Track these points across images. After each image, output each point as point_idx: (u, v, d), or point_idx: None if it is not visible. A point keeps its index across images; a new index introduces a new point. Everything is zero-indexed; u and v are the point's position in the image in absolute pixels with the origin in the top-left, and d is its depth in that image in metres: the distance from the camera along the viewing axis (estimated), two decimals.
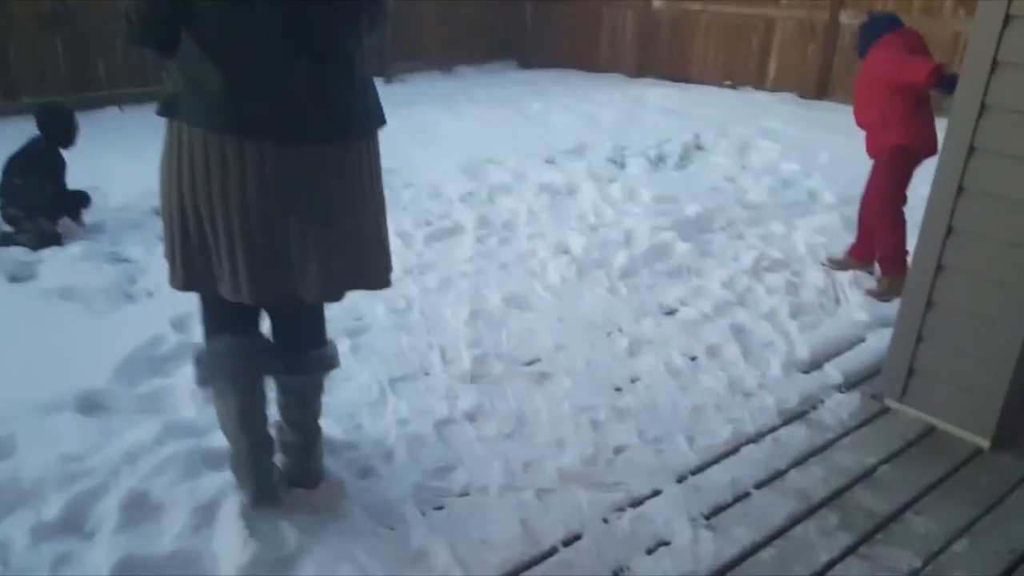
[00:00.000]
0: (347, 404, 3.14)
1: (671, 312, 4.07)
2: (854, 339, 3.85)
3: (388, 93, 10.68)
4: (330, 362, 2.61)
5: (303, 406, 2.59)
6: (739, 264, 4.52)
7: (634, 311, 4.03)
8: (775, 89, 10.07)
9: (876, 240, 4.30)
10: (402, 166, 6.44)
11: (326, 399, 2.70)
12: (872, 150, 4.33)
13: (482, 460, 2.88)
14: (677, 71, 10.93)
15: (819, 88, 9.73)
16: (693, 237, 4.88)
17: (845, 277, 4.40)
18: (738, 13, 10.27)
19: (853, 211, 5.06)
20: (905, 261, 4.22)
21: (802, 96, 9.81)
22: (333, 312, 3.82)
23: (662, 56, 11.09)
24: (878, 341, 3.78)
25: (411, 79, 10.75)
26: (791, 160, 6.64)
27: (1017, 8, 2.80)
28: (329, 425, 2.86)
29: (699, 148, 7.62)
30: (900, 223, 4.23)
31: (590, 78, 11.20)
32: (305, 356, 2.54)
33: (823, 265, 4.57)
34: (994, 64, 2.89)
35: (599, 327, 3.88)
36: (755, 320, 3.94)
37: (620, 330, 3.86)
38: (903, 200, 4.24)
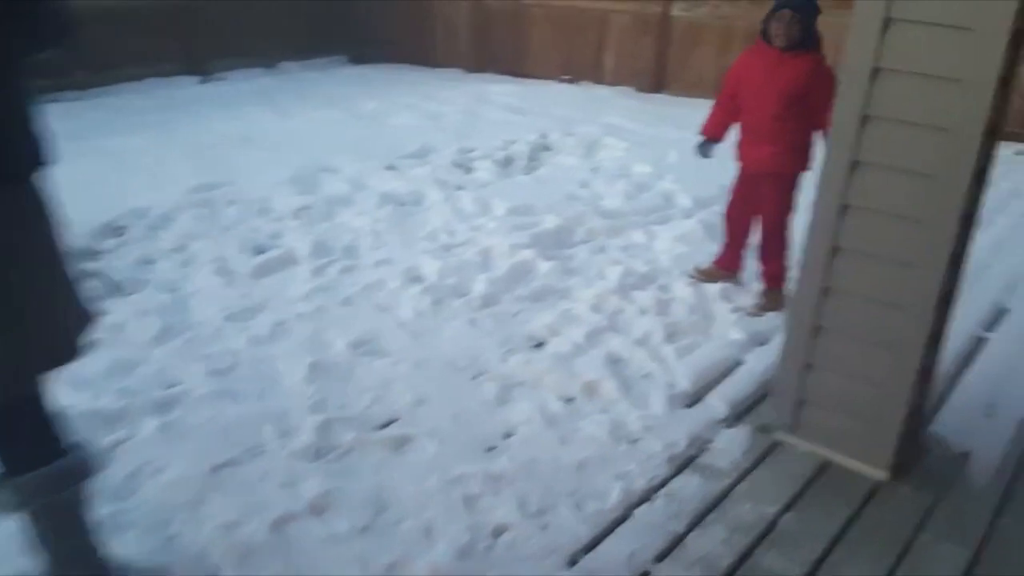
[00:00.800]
0: (154, 509, 2.48)
1: (540, 344, 3.63)
2: (732, 362, 3.56)
3: (205, 93, 9.96)
4: (76, 474, 1.95)
5: (62, 537, 1.93)
6: (605, 282, 4.15)
7: (500, 346, 3.57)
8: (614, 83, 9.90)
9: (766, 256, 4.03)
10: (224, 178, 5.67)
11: (124, 506, 2.05)
12: (766, 165, 3.93)
13: (335, 566, 2.32)
14: (515, 66, 10.56)
15: (656, 82, 9.65)
16: (555, 253, 4.47)
17: (714, 290, 4.12)
18: (572, 7, 10.01)
19: (712, 216, 4.84)
20: (786, 276, 4.01)
21: (640, 90, 9.69)
22: (135, 382, 3.24)
23: (499, 51, 10.69)
24: (757, 362, 3.51)
25: (231, 77, 9.79)
26: (641, 160, 6.38)
27: (899, 10, 2.53)
28: (127, 543, 2.21)
29: (546, 148, 7.26)
30: (790, 240, 4.00)
31: (428, 74, 10.64)
32: (32, 478, 1.87)
33: (690, 277, 4.28)
34: (874, 72, 2.62)
35: (463, 370, 3.38)
36: (630, 348, 3.56)
37: (487, 372, 3.38)
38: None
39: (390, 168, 6.46)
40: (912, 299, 2.68)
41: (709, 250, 4.52)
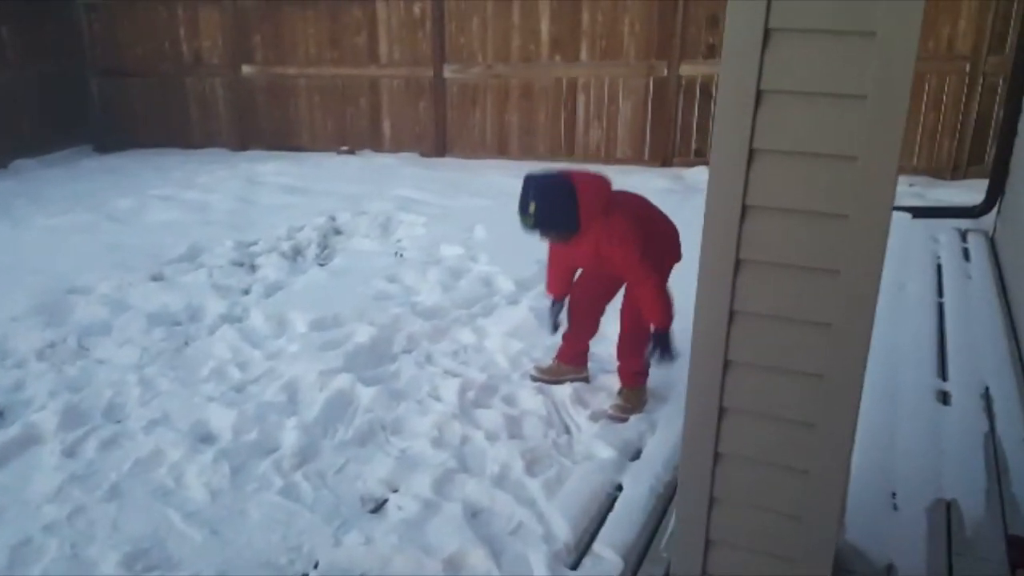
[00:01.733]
0: None
1: (379, 507, 2.87)
2: (610, 489, 2.99)
3: None
4: None
5: None
6: (443, 404, 3.46)
7: (328, 521, 2.76)
8: (395, 150, 9.32)
9: (626, 351, 3.51)
10: None
11: None
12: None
13: None
14: (285, 141, 9.68)
15: (438, 145, 9.18)
16: (375, 374, 3.72)
17: (563, 394, 3.57)
18: (338, 75, 9.34)
19: (539, 299, 4.32)
20: (648, 373, 3.54)
21: (424, 155, 9.19)
22: None
23: (265, 126, 9.76)
24: (637, 485, 2.98)
25: None
26: (447, 239, 5.77)
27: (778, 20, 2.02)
28: None
29: (338, 232, 6.49)
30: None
31: (186, 157, 9.48)
32: None
33: (532, 379, 3.71)
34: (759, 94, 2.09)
35: (282, 569, 2.55)
36: (489, 492, 2.90)
37: (317, 565, 2.57)
38: None
39: (157, 279, 5.40)
40: (826, 415, 2.25)
41: (546, 343, 3.99)
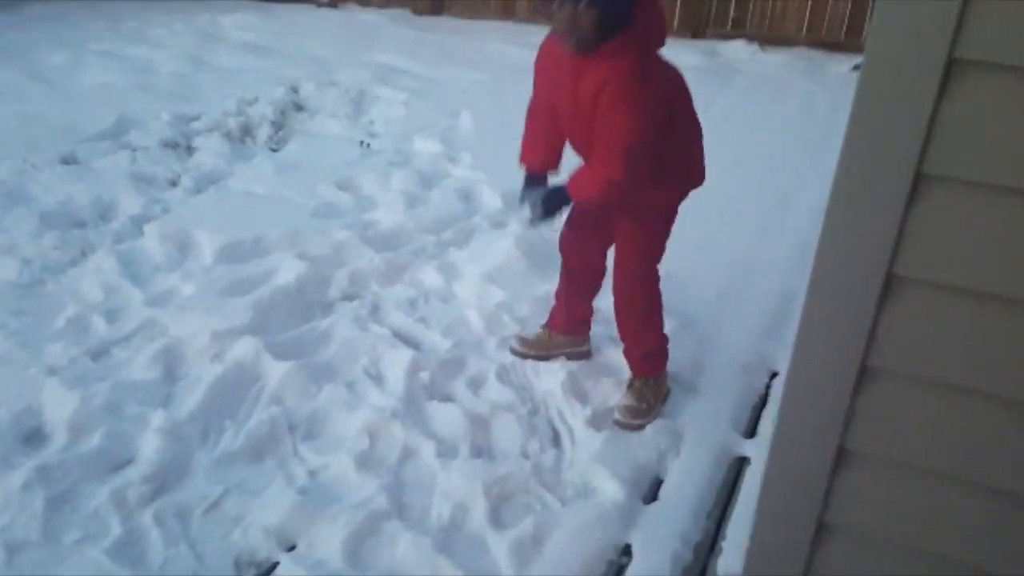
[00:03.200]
0: None
1: (271, 571, 1.85)
2: (612, 556, 1.95)
3: None
4: None
5: None
6: (383, 391, 2.37)
7: None
8: (383, 5, 7.80)
9: (628, 327, 2.41)
10: None
11: None
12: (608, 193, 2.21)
13: None
14: None
15: (433, 1, 7.66)
16: (294, 340, 2.58)
17: (554, 379, 2.47)
18: None
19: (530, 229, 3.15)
20: (666, 352, 2.44)
21: (416, 12, 7.68)
22: None
23: None
24: (651, 553, 1.94)
25: None
26: (425, 130, 4.47)
27: None
28: None
29: (299, 108, 5.20)
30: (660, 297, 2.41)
31: (145, 3, 7.98)
32: None
33: (513, 353, 2.61)
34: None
35: None
36: (431, 559, 1.85)
37: None
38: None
39: (67, 161, 4.21)
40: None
41: (536, 292, 2.86)
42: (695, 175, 2.25)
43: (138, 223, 3.58)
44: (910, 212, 1.11)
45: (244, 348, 2.45)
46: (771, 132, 4.69)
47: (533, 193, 2.26)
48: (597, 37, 1.91)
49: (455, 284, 2.94)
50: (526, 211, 2.30)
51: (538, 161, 2.33)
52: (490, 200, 3.54)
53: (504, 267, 2.98)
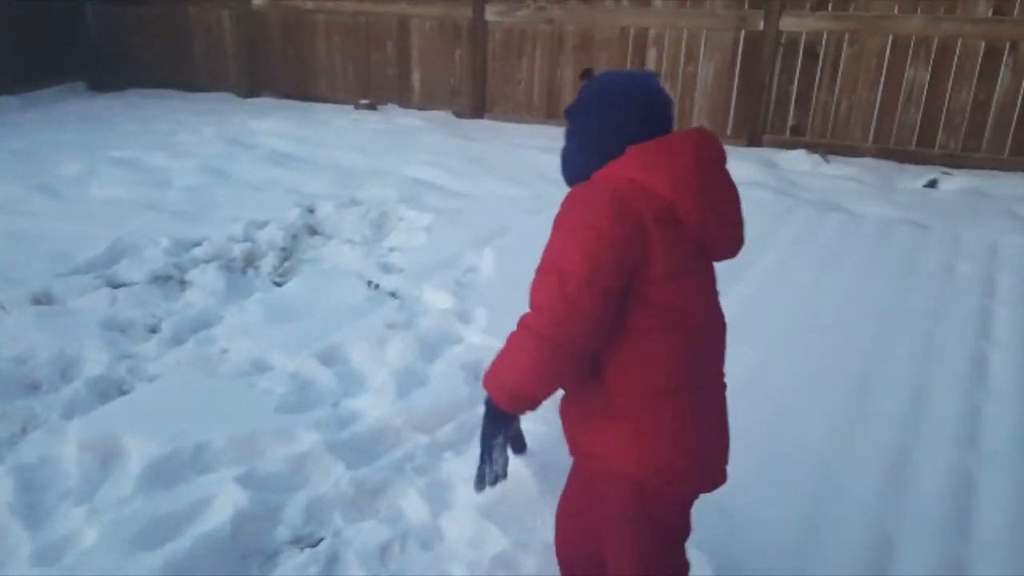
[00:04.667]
0: None
1: None
2: None
3: None
4: None
5: None
6: None
7: None
8: (424, 106, 7.32)
9: None
10: None
11: None
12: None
13: None
14: (300, 88, 7.76)
15: (475, 103, 7.14)
16: None
17: None
18: (361, 11, 7.31)
19: (547, 423, 2.42)
20: None
21: (457, 115, 7.17)
22: None
23: (278, 69, 7.84)
24: None
25: None
26: (441, 274, 3.76)
27: None
28: None
29: (312, 232, 4.62)
30: None
31: (184, 102, 7.66)
32: None
33: None
34: None
35: None
36: None
37: None
38: None
39: (39, 301, 3.67)
40: None
41: (551, 534, 2.10)
42: (677, 450, 1.44)
43: (95, 388, 2.98)
44: None
45: None
46: (838, 285, 3.83)
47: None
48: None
49: (443, 518, 2.18)
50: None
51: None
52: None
53: (509, 493, 2.22)
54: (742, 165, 5.16)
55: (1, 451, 2.52)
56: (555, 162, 1.65)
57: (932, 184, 5.44)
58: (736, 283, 3.48)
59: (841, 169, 5.69)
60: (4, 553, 2.00)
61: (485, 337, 3.06)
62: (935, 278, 3.86)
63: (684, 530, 1.56)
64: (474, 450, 2.27)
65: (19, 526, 2.05)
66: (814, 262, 4.03)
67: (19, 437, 2.70)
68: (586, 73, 1.58)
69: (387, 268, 4.05)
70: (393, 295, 3.67)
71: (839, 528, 2.21)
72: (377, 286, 3.78)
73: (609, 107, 1.47)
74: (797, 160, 5.84)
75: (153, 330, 3.52)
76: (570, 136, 1.57)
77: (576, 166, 1.54)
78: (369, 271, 3.98)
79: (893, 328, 3.32)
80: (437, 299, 3.45)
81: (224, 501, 2.14)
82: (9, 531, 2.05)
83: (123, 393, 2.92)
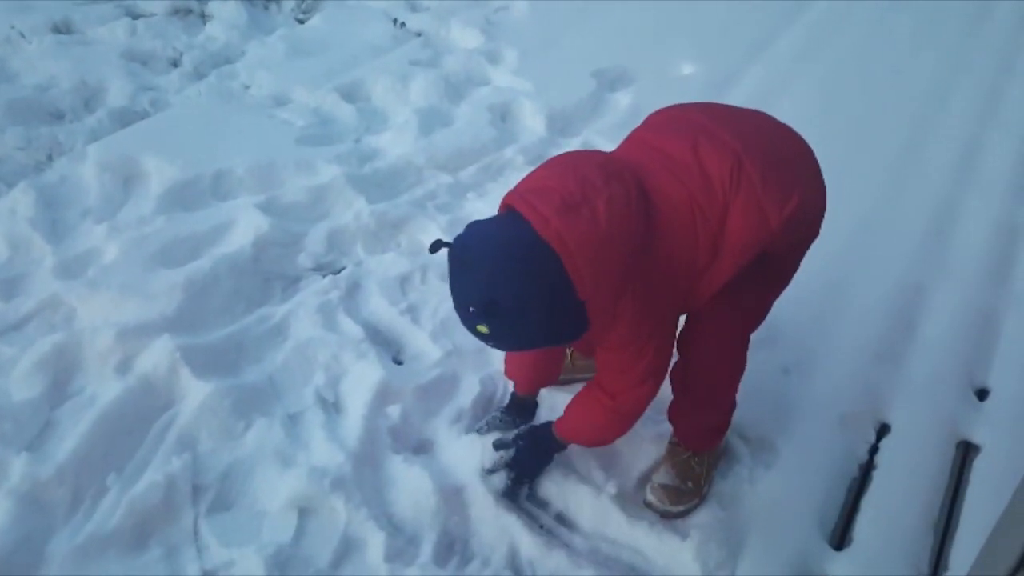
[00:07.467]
0: None
1: None
2: None
3: None
4: None
5: None
6: (331, 441, 1.58)
7: None
8: None
9: (700, 396, 1.48)
10: None
11: None
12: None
13: None
14: None
15: None
16: (226, 341, 1.75)
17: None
18: None
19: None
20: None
21: None
22: None
23: None
24: None
25: None
26: (471, 9, 3.33)
27: None
28: None
29: None
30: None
31: None
32: None
33: None
34: None
35: None
36: None
37: None
38: None
39: (59, 29, 3.42)
40: None
41: None
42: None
43: (119, 119, 2.81)
44: None
45: (157, 355, 1.69)
46: (900, 29, 3.37)
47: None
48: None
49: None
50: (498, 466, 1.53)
51: (525, 380, 1.60)
52: (531, 123, 2.55)
53: None
54: None
55: (28, 176, 2.43)
56: None
57: None
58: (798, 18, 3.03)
59: None
60: (29, 264, 1.94)
61: (513, 79, 2.76)
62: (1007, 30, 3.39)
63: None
64: (498, 190, 2.11)
65: (41, 240, 1.97)
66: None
67: (45, 165, 2.59)
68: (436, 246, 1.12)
69: (414, 7, 3.64)
70: (419, 35, 3.32)
71: (872, 270, 2.07)
72: (403, 24, 3.42)
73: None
74: None
75: (174, 63, 3.28)
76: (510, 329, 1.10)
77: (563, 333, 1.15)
78: (395, 9, 3.59)
79: (955, 78, 2.95)
80: (465, 37, 3.10)
81: (245, 226, 2.03)
82: (32, 244, 1.98)
83: None
